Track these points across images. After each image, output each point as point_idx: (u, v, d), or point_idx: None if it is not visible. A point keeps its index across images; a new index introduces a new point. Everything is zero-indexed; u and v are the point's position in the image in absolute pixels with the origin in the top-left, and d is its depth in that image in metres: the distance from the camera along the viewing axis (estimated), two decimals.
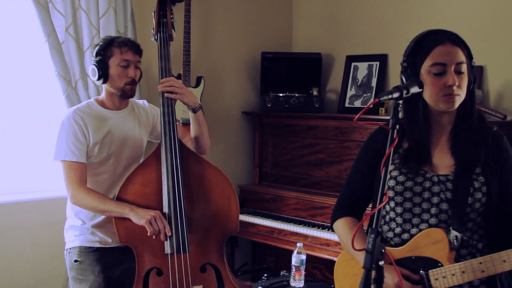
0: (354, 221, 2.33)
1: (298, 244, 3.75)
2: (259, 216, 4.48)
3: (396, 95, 1.91)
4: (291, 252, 3.79)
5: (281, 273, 4.02)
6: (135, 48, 3.04)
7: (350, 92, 4.71)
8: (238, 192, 4.80)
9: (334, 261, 3.89)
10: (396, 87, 1.95)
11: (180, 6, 4.31)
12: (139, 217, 2.81)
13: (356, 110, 4.59)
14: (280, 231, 4.27)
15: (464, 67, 2.09)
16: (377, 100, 1.88)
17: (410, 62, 2.18)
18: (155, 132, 3.26)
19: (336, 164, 4.37)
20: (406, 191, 2.17)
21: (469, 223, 2.12)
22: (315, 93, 4.78)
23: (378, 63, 4.59)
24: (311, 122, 4.54)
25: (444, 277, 2.06)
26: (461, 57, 2.09)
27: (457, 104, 2.10)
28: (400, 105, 1.91)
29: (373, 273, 1.82)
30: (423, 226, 2.15)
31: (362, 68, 4.68)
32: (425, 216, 2.15)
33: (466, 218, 2.10)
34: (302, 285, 3.74)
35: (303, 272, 3.75)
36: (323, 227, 4.12)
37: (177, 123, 3.08)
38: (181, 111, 4.17)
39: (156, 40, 3.14)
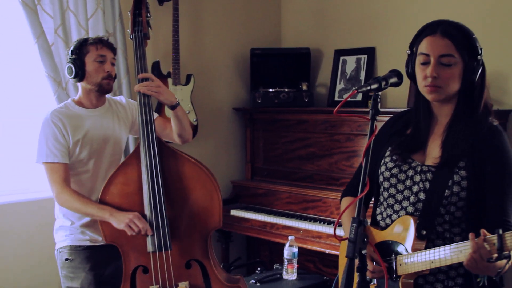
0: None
1: (289, 237, 3.79)
2: (252, 211, 4.52)
3: (374, 86, 1.95)
4: (284, 245, 3.83)
5: (274, 266, 4.07)
6: (109, 45, 3.12)
7: (339, 85, 4.74)
8: (230, 187, 4.85)
9: (326, 253, 4.00)
10: (375, 78, 1.99)
11: (168, 5, 4.34)
12: (118, 222, 2.86)
13: (346, 103, 4.59)
14: (273, 225, 4.31)
15: (450, 60, 2.09)
16: (356, 91, 1.92)
17: (412, 50, 2.22)
18: (135, 127, 3.28)
19: (327, 157, 4.41)
20: (392, 177, 2.24)
21: (446, 216, 2.13)
22: (304, 87, 4.81)
23: (366, 56, 4.62)
24: (301, 116, 4.57)
25: (406, 263, 2.11)
26: (448, 49, 2.09)
27: (441, 96, 2.12)
28: (379, 97, 1.95)
29: (357, 261, 1.88)
30: (401, 213, 2.21)
31: (350, 62, 4.71)
32: (405, 203, 2.20)
33: (443, 210, 2.12)
34: (294, 277, 3.78)
35: (295, 265, 3.80)
36: (314, 220, 4.15)
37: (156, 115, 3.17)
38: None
39: (132, 39, 3.17)
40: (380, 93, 1.97)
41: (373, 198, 2.42)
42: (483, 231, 1.89)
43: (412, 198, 2.18)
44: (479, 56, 2.12)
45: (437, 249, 2.02)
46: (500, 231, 1.83)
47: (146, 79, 3.01)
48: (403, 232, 2.16)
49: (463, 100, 2.16)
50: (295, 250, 3.75)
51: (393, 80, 2.03)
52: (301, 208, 4.36)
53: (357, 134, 4.20)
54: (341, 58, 4.77)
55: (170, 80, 4.35)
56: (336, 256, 3.50)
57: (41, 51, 3.58)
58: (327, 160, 4.41)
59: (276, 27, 5.32)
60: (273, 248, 4.75)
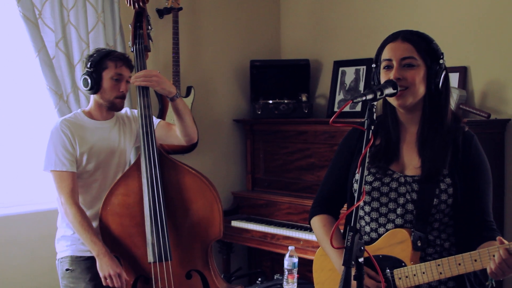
0: (329, 219, 2.41)
1: (289, 248, 3.80)
2: (253, 222, 4.53)
3: (370, 96, 1.96)
4: (284, 256, 3.84)
5: (275, 276, 4.07)
6: (129, 64, 3.11)
7: (339, 96, 4.77)
8: (231, 199, 4.87)
9: None
10: (370, 88, 2.01)
11: (168, 18, 4.39)
12: (100, 268, 2.92)
13: (345, 114, 4.65)
14: (273, 235, 4.33)
15: (412, 61, 2.13)
16: (351, 102, 1.94)
17: (376, 63, 2.27)
18: (139, 138, 3.30)
19: (327, 168, 4.39)
20: (373, 191, 2.23)
21: (435, 223, 2.16)
22: (304, 98, 4.85)
23: (365, 67, 4.66)
24: (301, 127, 4.60)
25: (407, 276, 2.10)
26: (409, 52, 2.14)
27: (407, 100, 2.14)
28: (375, 106, 1.97)
29: (353, 270, 1.89)
30: (389, 226, 2.20)
31: (349, 73, 4.75)
32: (392, 216, 2.20)
33: (432, 218, 2.14)
34: (295, 287, 3.79)
35: (295, 275, 3.80)
36: None
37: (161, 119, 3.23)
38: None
39: (132, 51, 3.20)
40: (375, 103, 1.99)
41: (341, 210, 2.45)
42: (500, 239, 1.91)
43: (399, 210, 2.18)
44: (441, 60, 2.17)
45: (445, 260, 2.02)
46: None
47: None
48: (397, 245, 2.15)
49: (429, 106, 2.18)
50: (295, 260, 3.75)
51: (388, 90, 2.06)
52: (302, 218, 4.37)
53: None
54: (340, 69, 4.80)
55: None
56: None
57: (42, 64, 3.62)
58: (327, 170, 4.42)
59: (275, 39, 5.36)
60: (275, 258, 4.76)
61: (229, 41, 5.01)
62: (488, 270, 1.94)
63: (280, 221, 4.48)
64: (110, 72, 3.03)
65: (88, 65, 3.04)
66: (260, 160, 4.89)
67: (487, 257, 1.93)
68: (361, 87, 4.65)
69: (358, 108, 4.60)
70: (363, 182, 1.92)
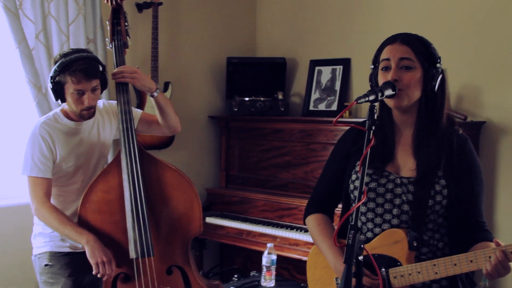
0: (324, 218, 2.43)
1: (268, 245, 3.83)
2: (227, 219, 4.54)
3: (372, 97, 1.99)
4: (260, 253, 3.86)
5: (251, 273, 4.09)
6: (89, 74, 2.90)
7: (314, 95, 4.81)
8: (205, 195, 4.86)
9: (303, 261, 4.04)
10: (372, 89, 2.04)
11: (148, 13, 4.36)
12: (92, 254, 2.86)
13: (321, 113, 4.70)
14: (249, 232, 4.35)
15: (410, 63, 2.16)
16: (355, 102, 1.97)
17: (374, 64, 2.30)
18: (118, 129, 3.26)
19: (303, 166, 4.47)
20: (369, 192, 2.25)
21: (430, 224, 2.20)
22: (280, 97, 4.87)
23: (341, 67, 4.70)
24: (277, 125, 4.63)
25: (402, 276, 2.13)
26: (407, 53, 2.17)
27: (403, 101, 2.17)
28: (376, 107, 2.00)
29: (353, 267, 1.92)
30: (385, 226, 2.23)
31: (325, 72, 4.79)
32: (387, 216, 2.23)
33: (427, 219, 2.19)
34: (273, 284, 3.81)
35: (273, 272, 3.83)
36: (291, 228, 4.21)
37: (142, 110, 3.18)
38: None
39: (111, 48, 3.16)
40: (376, 104, 2.02)
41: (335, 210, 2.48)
42: (496, 241, 1.97)
43: (395, 211, 2.21)
44: (438, 64, 2.20)
45: (441, 260, 2.06)
46: None
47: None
48: (393, 245, 2.18)
49: (425, 109, 2.22)
50: (274, 257, 3.79)
51: (387, 91, 2.09)
52: (277, 216, 4.40)
53: (333, 144, 4.21)
54: (317, 68, 4.84)
55: None
56: None
57: (22, 56, 3.55)
58: (303, 168, 4.47)
59: (251, 36, 5.37)
60: (248, 255, 4.77)
61: (206, 37, 5.00)
62: (484, 271, 1.99)
63: (255, 218, 4.50)
64: (70, 88, 2.90)
65: (50, 78, 2.92)
66: (234, 157, 4.90)
67: (483, 258, 1.98)
68: (337, 86, 4.69)
69: (334, 107, 4.64)
70: (364, 182, 1.95)
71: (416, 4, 4.35)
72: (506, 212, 3.91)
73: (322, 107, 4.75)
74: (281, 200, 4.42)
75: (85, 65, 2.88)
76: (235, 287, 3.77)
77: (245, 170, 4.85)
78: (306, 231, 4.09)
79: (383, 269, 2.16)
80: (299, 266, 4.43)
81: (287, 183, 4.55)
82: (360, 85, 4.65)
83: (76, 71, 2.86)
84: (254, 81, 5.01)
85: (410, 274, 2.12)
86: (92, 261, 2.85)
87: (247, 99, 4.81)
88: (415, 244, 2.16)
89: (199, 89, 4.99)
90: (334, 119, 1.99)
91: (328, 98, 4.72)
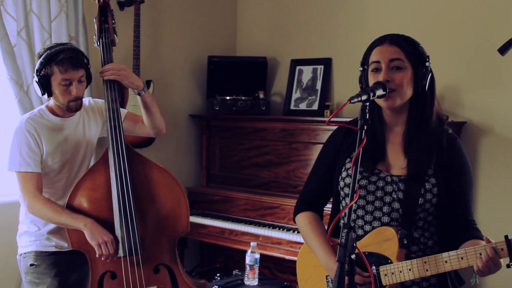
0: (314, 216, 2.44)
1: (251, 244, 3.83)
2: (209, 217, 4.55)
3: (364, 97, 2.01)
4: (242, 252, 3.87)
5: (234, 272, 4.10)
6: (76, 64, 2.91)
7: (295, 95, 4.83)
8: (186, 194, 4.84)
9: (285, 259, 4.08)
10: (364, 90, 2.06)
11: (129, 10, 4.34)
12: (92, 236, 2.84)
13: (302, 112, 4.72)
14: (231, 231, 4.35)
15: (400, 63, 2.18)
16: (348, 102, 1.99)
17: (363, 66, 2.31)
18: (104, 127, 3.23)
19: (284, 165, 4.48)
20: (360, 189, 2.27)
21: (420, 222, 2.23)
22: (261, 96, 4.89)
23: (322, 66, 4.73)
24: (259, 124, 4.64)
25: (393, 273, 2.15)
26: (397, 54, 2.19)
27: (396, 102, 2.19)
28: (368, 107, 2.02)
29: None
30: (375, 223, 2.25)
31: (306, 72, 4.81)
32: (378, 214, 2.25)
33: (417, 217, 2.21)
34: (256, 283, 3.82)
35: (256, 271, 3.84)
36: (273, 227, 4.22)
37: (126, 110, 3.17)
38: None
39: (98, 46, 3.15)
40: (368, 103, 2.04)
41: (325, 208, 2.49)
42: (486, 238, 2.01)
43: (385, 209, 2.24)
44: (427, 63, 2.23)
45: (432, 257, 2.09)
46: (509, 236, 1.96)
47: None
48: (383, 243, 2.20)
49: (416, 108, 2.24)
50: (257, 256, 3.80)
51: (378, 92, 2.11)
52: (259, 215, 4.41)
53: (315, 143, 4.29)
54: (298, 67, 4.86)
55: None
56: (294, 262, 3.53)
57: (4, 53, 3.54)
58: (284, 167, 4.48)
59: (232, 35, 5.37)
60: (229, 254, 4.78)
61: (187, 36, 4.99)
62: (475, 268, 2.02)
63: (237, 217, 4.51)
64: (57, 78, 2.88)
65: (36, 71, 2.91)
66: (215, 156, 4.90)
67: (473, 255, 2.02)
68: (319, 86, 4.72)
69: (315, 106, 4.67)
70: (356, 181, 1.96)
71: (397, 5, 4.40)
72: (485, 210, 3.98)
73: (303, 106, 4.77)
74: (263, 199, 4.43)
75: (71, 54, 2.89)
76: (219, 286, 3.76)
77: (226, 169, 4.85)
78: (288, 230, 4.11)
79: (374, 266, 2.19)
80: (281, 265, 4.45)
81: (269, 182, 4.56)
82: (341, 85, 4.68)
83: (63, 60, 2.86)
84: (235, 80, 5.02)
85: (401, 272, 2.14)
86: (93, 243, 2.83)
87: (228, 98, 4.81)
88: (405, 242, 2.18)
89: (180, 88, 4.98)
90: (327, 119, 2.01)
91: (309, 98, 4.74)
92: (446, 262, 2.07)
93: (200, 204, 4.79)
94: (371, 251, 2.22)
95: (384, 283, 2.18)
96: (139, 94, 3.08)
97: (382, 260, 2.19)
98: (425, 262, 2.10)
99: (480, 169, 4.01)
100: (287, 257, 4.00)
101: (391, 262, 2.17)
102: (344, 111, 4.61)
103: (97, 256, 2.86)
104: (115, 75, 3.00)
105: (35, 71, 2.91)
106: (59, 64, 2.86)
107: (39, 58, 2.90)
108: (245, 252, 3.84)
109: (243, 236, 4.28)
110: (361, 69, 2.32)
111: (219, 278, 3.96)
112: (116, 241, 2.90)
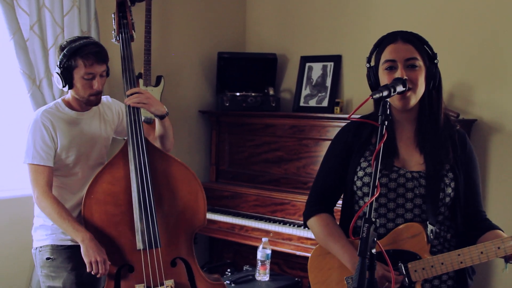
0: (329, 218, 2.40)
1: (263, 239, 3.85)
2: (219, 213, 4.56)
3: (385, 93, 2.03)
4: (251, 247, 3.89)
5: (244, 268, 4.12)
6: (101, 58, 2.95)
7: (305, 91, 4.84)
8: None
9: (296, 255, 4.09)
10: (385, 86, 2.07)
11: (141, 6, 4.34)
12: (87, 253, 2.84)
13: (312, 109, 4.73)
14: (242, 227, 4.37)
15: (416, 62, 2.21)
16: (370, 97, 2.00)
17: (372, 63, 2.32)
18: (119, 128, 3.27)
19: (295, 161, 4.50)
20: (381, 187, 2.26)
21: (440, 216, 2.26)
22: (271, 92, 4.90)
23: (332, 63, 4.74)
24: (269, 120, 4.65)
25: (423, 268, 2.17)
26: (412, 53, 2.21)
27: (412, 102, 2.22)
28: (388, 103, 2.04)
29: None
30: (399, 220, 2.26)
31: (316, 69, 4.82)
32: (400, 210, 2.26)
33: (438, 212, 2.24)
34: (267, 278, 3.85)
35: (268, 266, 3.86)
36: (284, 223, 4.24)
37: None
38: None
39: (117, 41, 3.16)
40: (388, 99, 2.05)
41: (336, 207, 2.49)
42: None
43: (408, 205, 2.25)
44: (436, 60, 2.26)
45: (466, 249, 2.12)
46: None
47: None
48: (409, 239, 2.21)
49: (427, 106, 2.27)
50: (269, 251, 3.82)
51: (399, 88, 2.12)
52: (269, 211, 4.42)
53: (325, 139, 4.30)
54: (307, 64, 4.87)
55: (141, 81, 4.35)
56: (303, 258, 3.53)
57: (17, 47, 3.54)
58: (295, 164, 4.50)
59: (241, 32, 5.38)
60: (238, 250, 4.79)
61: (197, 32, 5.00)
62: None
63: (247, 213, 4.52)
64: (81, 71, 2.91)
65: (58, 63, 2.92)
66: (225, 152, 4.91)
67: (510, 243, 2.08)
68: (328, 83, 4.73)
69: (325, 103, 4.68)
70: (377, 177, 1.97)
71: (408, 2, 4.40)
72: (496, 208, 3.98)
73: (312, 103, 4.78)
74: (273, 195, 4.43)
75: (97, 49, 2.94)
76: (231, 281, 3.78)
77: (235, 165, 4.86)
78: (299, 226, 4.13)
79: (400, 263, 2.19)
80: (290, 261, 4.46)
81: (279, 178, 4.57)
82: (351, 81, 4.69)
83: (89, 54, 2.90)
84: (245, 76, 5.03)
85: (432, 266, 2.16)
86: (86, 260, 2.85)
87: (238, 94, 4.83)
88: (432, 237, 2.20)
89: (190, 84, 4.99)
90: (349, 115, 2.04)
91: (319, 95, 4.75)
92: (482, 253, 2.11)
93: (209, 200, 4.74)
94: (396, 248, 2.23)
95: (414, 279, 2.18)
96: (160, 118, 3.10)
97: (409, 256, 2.20)
98: (459, 255, 2.13)
99: (491, 166, 4.02)
100: (298, 252, 4.01)
101: (420, 258, 2.19)
102: (352, 108, 4.63)
103: (87, 271, 2.86)
104: (141, 103, 3.01)
105: (58, 63, 2.92)
106: (85, 58, 2.89)
107: (62, 50, 2.92)
108: (255, 248, 3.85)
109: (253, 232, 4.30)
110: (368, 65, 2.33)
111: (230, 273, 3.98)
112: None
